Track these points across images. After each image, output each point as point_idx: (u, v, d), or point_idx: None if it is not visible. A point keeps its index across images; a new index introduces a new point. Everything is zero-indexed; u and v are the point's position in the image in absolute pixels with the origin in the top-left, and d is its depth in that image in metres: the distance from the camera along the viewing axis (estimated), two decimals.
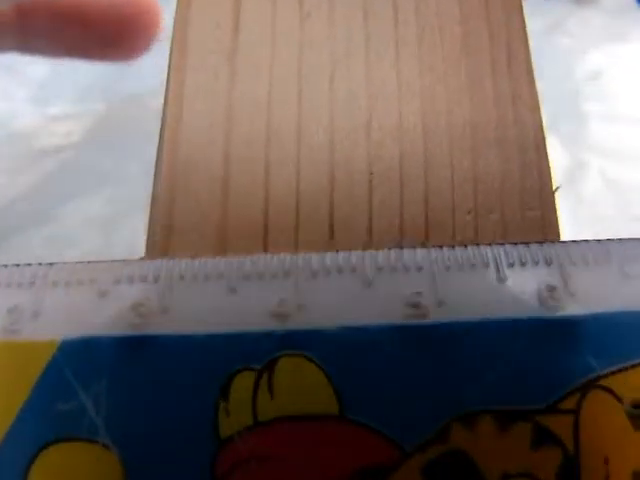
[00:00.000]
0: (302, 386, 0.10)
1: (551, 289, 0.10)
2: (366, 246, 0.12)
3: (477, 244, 0.11)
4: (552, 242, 0.11)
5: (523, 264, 0.11)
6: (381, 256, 0.11)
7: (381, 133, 0.13)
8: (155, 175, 0.13)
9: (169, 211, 0.12)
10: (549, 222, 0.13)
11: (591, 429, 0.10)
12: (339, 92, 0.13)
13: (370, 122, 0.13)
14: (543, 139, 0.13)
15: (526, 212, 0.13)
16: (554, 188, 0.13)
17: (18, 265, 0.11)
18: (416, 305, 0.10)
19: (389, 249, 0.11)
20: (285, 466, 0.10)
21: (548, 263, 0.11)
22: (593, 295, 0.10)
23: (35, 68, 0.26)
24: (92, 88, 0.25)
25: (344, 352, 0.10)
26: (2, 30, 0.18)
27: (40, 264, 0.11)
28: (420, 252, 0.11)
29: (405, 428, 0.10)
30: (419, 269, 0.11)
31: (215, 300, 0.10)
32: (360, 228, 0.12)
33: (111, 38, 0.19)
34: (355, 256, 0.11)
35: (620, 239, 0.11)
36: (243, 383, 0.10)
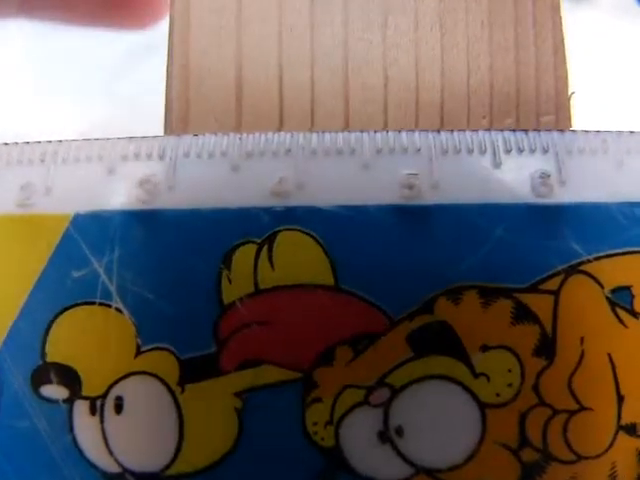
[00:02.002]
0: (300, 258, 0.10)
1: (544, 176, 0.11)
2: None
3: None
4: (549, 130, 0.11)
5: (520, 151, 0.11)
6: (380, 138, 0.11)
7: (397, 34, 0.13)
8: (167, 83, 0.13)
9: (184, 118, 0.13)
10: (564, 127, 0.13)
11: (570, 310, 0.11)
12: None
13: (386, 22, 0.13)
14: (562, 42, 0.13)
15: (541, 117, 0.13)
16: (570, 93, 0.13)
17: (28, 142, 0.11)
18: (411, 186, 0.11)
19: (387, 131, 0.11)
20: (284, 330, 0.10)
21: (545, 150, 0.11)
22: (585, 184, 0.11)
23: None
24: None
25: (341, 228, 0.11)
26: None
27: (50, 141, 0.11)
28: (419, 134, 0.11)
29: (394, 299, 0.10)
30: (417, 151, 0.11)
31: (218, 178, 0.11)
32: None
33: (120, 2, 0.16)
34: (354, 137, 0.11)
35: (619, 131, 0.11)
36: (245, 254, 0.11)
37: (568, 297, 0.10)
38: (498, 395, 0.10)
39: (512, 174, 0.11)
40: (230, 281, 0.11)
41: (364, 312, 0.10)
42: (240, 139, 0.11)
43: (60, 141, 0.11)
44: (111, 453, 0.11)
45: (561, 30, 0.13)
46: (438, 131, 0.11)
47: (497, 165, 0.11)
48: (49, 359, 0.11)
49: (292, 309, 0.10)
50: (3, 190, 0.11)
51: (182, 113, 0.13)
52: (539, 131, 0.11)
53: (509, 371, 0.10)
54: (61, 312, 0.11)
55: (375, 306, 0.10)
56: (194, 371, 0.10)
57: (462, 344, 0.10)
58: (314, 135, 0.11)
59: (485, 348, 0.10)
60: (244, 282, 0.10)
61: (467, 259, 0.10)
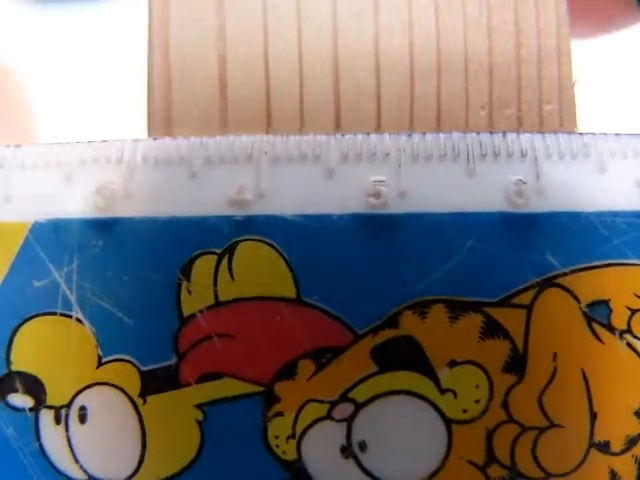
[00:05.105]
0: (261, 269, 0.10)
1: (520, 184, 0.10)
2: None
3: None
4: (529, 132, 0.10)
5: (496, 155, 0.10)
6: (346, 141, 0.10)
7: (390, 15, 0.12)
8: (148, 75, 0.13)
9: (167, 112, 0.12)
10: (567, 117, 0.12)
11: (543, 325, 0.10)
12: None
13: (377, 4, 0.12)
14: (565, 23, 0.12)
15: (543, 106, 0.12)
16: (573, 80, 0.12)
17: None
18: (377, 195, 0.10)
19: (355, 135, 0.10)
20: (244, 343, 0.10)
21: (523, 155, 0.10)
22: (563, 193, 0.10)
23: None
24: None
25: (303, 239, 0.10)
26: None
27: (8, 146, 0.11)
28: (389, 137, 0.10)
29: (358, 312, 0.10)
30: (385, 156, 0.10)
31: (176, 185, 0.10)
32: (368, 125, 0.12)
33: None
34: (320, 142, 0.10)
35: (604, 134, 0.10)
36: (204, 265, 0.10)
37: (541, 312, 0.10)
38: (465, 411, 0.10)
39: (486, 181, 0.10)
40: (190, 292, 0.10)
41: (327, 325, 0.10)
42: (201, 143, 0.10)
43: (18, 146, 0.11)
44: (77, 461, 0.11)
45: (565, 10, 0.12)
46: (409, 134, 0.10)
47: (470, 172, 0.10)
48: (14, 368, 0.11)
49: (253, 321, 0.10)
50: None
51: (165, 106, 0.12)
52: (518, 133, 0.10)
53: (477, 387, 0.10)
54: (24, 322, 0.11)
55: (338, 319, 0.10)
56: (155, 383, 0.10)
57: (428, 359, 0.10)
58: (277, 139, 0.10)
59: (452, 364, 0.10)
60: (204, 294, 0.10)
61: (435, 271, 0.10)
